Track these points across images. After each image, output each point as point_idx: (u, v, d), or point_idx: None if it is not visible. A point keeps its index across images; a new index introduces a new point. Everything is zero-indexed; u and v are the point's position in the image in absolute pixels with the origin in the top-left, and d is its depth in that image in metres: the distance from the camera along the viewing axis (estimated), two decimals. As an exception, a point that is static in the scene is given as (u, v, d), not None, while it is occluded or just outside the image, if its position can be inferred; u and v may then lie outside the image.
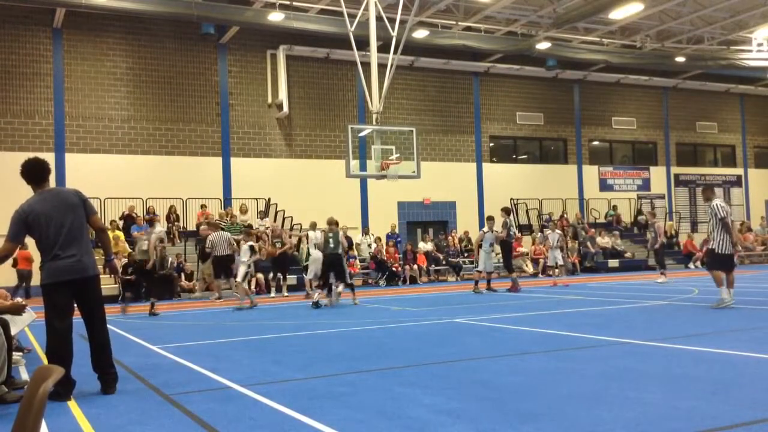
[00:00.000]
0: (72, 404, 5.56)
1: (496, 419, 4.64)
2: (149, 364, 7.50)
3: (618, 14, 23.38)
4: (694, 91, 32.28)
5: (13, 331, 6.56)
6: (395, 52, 17.71)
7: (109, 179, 21.19)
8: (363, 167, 19.76)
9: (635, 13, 23.27)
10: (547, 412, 4.81)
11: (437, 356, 7.36)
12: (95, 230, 6.31)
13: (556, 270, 19.74)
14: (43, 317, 5.92)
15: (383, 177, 17.74)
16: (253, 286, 19.39)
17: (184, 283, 19.22)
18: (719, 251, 11.23)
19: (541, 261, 23.85)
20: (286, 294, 17.83)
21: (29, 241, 6.72)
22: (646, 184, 31.51)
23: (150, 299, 13.87)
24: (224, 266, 16.18)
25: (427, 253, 23.68)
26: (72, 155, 21.19)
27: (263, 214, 22.48)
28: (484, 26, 25.12)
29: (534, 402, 5.13)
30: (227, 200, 23.07)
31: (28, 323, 7.49)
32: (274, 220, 22.59)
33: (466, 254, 24.43)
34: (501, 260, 19.00)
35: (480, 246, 17.42)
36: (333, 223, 14.80)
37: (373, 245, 23.04)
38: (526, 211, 27.53)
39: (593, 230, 27.20)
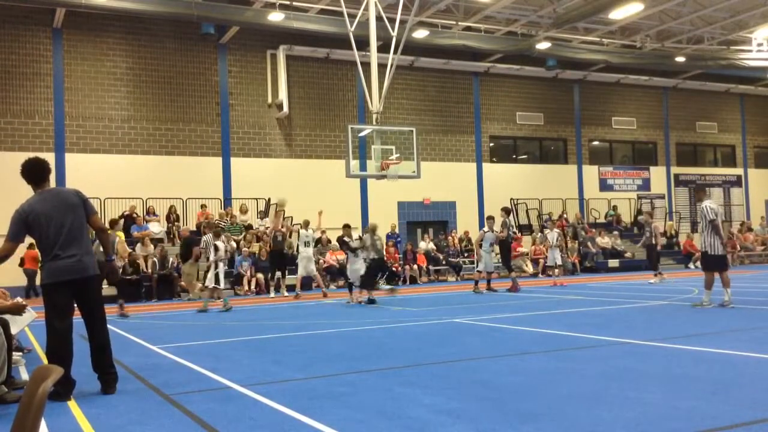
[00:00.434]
0: (72, 404, 5.56)
1: (496, 419, 4.64)
2: (149, 364, 7.50)
3: (618, 14, 23.38)
4: (694, 91, 32.28)
5: (13, 331, 6.56)
6: (395, 52, 17.71)
7: (109, 179, 21.19)
8: (363, 167, 19.75)
9: (635, 13, 23.27)
10: (547, 412, 4.81)
11: (437, 356, 7.36)
12: (95, 230, 6.31)
13: (556, 270, 19.75)
14: (43, 317, 5.92)
15: (383, 177, 17.74)
16: (252, 286, 19.44)
17: (183, 283, 19.21)
18: (712, 252, 11.37)
19: (541, 261, 23.84)
20: (285, 294, 17.83)
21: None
22: (646, 184, 31.51)
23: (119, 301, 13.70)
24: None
25: (427, 253, 23.68)
26: (72, 155, 21.19)
27: (263, 214, 22.49)
28: (484, 26, 25.12)
29: (534, 402, 5.13)
30: (227, 200, 23.07)
31: (28, 323, 7.49)
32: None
33: (466, 254, 24.43)
34: (500, 260, 19.01)
35: (480, 246, 17.43)
36: (376, 228, 15.55)
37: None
38: (526, 211, 27.52)
39: (593, 230, 27.20)
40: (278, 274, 18.21)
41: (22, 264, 18.14)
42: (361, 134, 19.75)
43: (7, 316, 6.15)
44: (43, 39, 21.19)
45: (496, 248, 18.10)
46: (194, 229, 20.74)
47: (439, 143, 26.92)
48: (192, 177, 22.50)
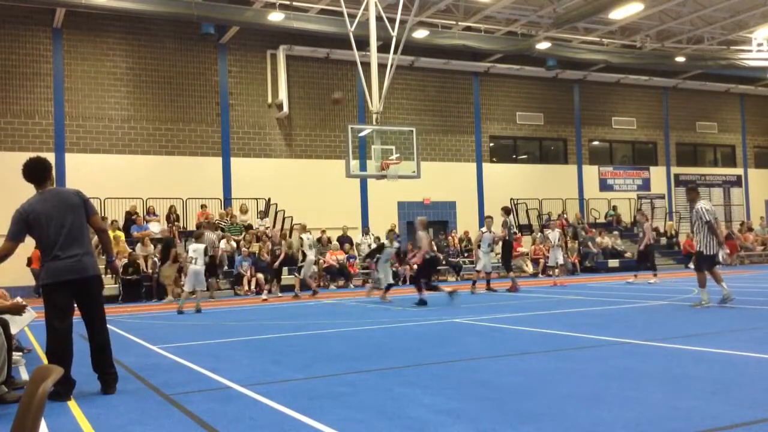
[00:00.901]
0: (72, 404, 5.56)
1: (496, 419, 4.64)
2: (149, 364, 7.50)
3: (618, 14, 23.38)
4: (694, 91, 32.29)
5: (13, 331, 6.55)
6: (395, 52, 17.71)
7: (109, 179, 21.19)
8: (363, 167, 19.75)
9: (635, 13, 23.27)
10: (547, 412, 4.81)
11: (437, 356, 7.36)
12: (96, 231, 6.31)
13: (557, 270, 19.74)
14: (43, 317, 5.92)
15: (383, 177, 17.74)
16: (252, 286, 19.43)
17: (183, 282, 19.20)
18: (707, 252, 11.48)
19: (542, 261, 23.84)
20: (279, 294, 17.64)
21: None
22: (646, 184, 31.52)
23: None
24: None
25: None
26: (72, 155, 21.19)
27: (263, 214, 22.49)
28: (484, 26, 25.12)
29: (534, 402, 5.13)
30: (227, 200, 23.07)
31: (28, 323, 7.49)
32: (274, 220, 22.59)
33: (466, 254, 24.43)
34: (500, 260, 19.00)
35: (479, 246, 17.42)
36: (426, 222, 15.18)
37: (373, 245, 23.02)
38: (526, 211, 27.52)
39: (593, 230, 27.20)
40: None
41: (29, 264, 18.12)
42: (361, 134, 19.75)
43: (7, 316, 6.15)
44: (43, 39, 21.20)
45: (497, 248, 18.08)
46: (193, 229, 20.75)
47: (439, 143, 26.92)
48: (192, 177, 22.50)
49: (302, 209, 22.68)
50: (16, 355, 7.32)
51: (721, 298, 11.51)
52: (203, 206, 21.92)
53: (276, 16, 21.62)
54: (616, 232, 27.42)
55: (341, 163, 20.15)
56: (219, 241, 18.85)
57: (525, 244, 25.55)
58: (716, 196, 32.52)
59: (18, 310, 6.35)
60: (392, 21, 17.99)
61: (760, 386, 5.44)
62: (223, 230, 21.13)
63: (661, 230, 29.70)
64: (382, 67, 18.05)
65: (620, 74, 29.79)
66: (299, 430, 4.58)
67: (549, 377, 6.05)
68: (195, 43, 23.01)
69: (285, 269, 18.35)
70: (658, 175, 31.86)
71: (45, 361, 6.55)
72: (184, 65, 22.98)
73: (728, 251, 13.85)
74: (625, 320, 10.39)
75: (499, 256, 18.92)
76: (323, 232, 22.68)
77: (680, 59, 27.89)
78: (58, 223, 5.78)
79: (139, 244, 19.44)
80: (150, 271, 18.69)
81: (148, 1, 20.34)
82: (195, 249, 14.11)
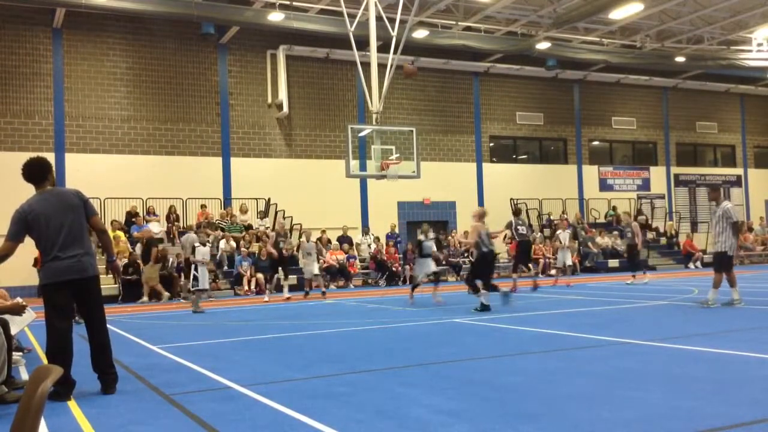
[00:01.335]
0: (72, 404, 5.56)
1: (496, 419, 4.64)
2: (149, 364, 7.50)
3: (618, 14, 23.37)
4: (694, 91, 32.28)
5: (13, 331, 6.55)
6: (395, 52, 17.70)
7: (109, 179, 21.19)
8: (363, 167, 19.75)
9: (635, 13, 23.26)
10: (547, 412, 4.81)
11: (437, 356, 7.35)
12: (96, 231, 6.31)
13: (566, 270, 19.51)
14: (43, 317, 5.92)
15: (383, 177, 17.72)
16: (252, 286, 19.42)
17: (183, 282, 19.21)
18: (731, 254, 11.32)
19: (541, 261, 23.82)
20: (287, 294, 17.66)
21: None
22: (646, 184, 31.51)
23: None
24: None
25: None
26: (72, 155, 21.19)
27: (263, 214, 22.49)
28: (484, 26, 25.11)
29: (534, 402, 5.13)
30: (227, 200, 23.07)
31: (28, 323, 7.49)
32: (274, 220, 22.55)
33: (466, 254, 24.40)
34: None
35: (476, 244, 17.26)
36: (484, 215, 13.34)
37: (373, 245, 23.04)
38: (526, 211, 27.49)
39: (593, 230, 27.20)
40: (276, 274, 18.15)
41: (35, 264, 18.08)
42: (361, 134, 19.74)
43: (7, 316, 6.15)
44: (43, 39, 21.19)
45: (496, 249, 17.99)
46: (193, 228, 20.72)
47: (439, 143, 26.92)
48: (192, 177, 22.50)
49: (302, 209, 22.68)
50: (16, 355, 7.32)
51: (729, 299, 11.48)
52: (203, 206, 21.93)
53: (276, 16, 21.62)
54: (615, 232, 27.40)
55: (341, 163, 20.15)
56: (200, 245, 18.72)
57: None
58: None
59: (18, 310, 6.35)
60: (392, 21, 17.97)
61: (760, 386, 5.44)
62: (223, 230, 21.15)
63: (661, 230, 29.71)
64: (382, 67, 18.04)
65: (620, 74, 29.78)
66: (299, 430, 4.58)
67: (549, 377, 6.05)
68: (195, 43, 23.01)
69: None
70: (658, 175, 31.86)
71: (45, 361, 6.55)
72: (184, 65, 22.98)
73: None
74: (625, 320, 10.39)
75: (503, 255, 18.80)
76: (323, 231, 22.68)
77: (680, 59, 27.88)
78: (57, 223, 5.78)
79: (139, 244, 19.44)
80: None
81: (148, 1, 20.34)
82: (203, 253, 14.53)
